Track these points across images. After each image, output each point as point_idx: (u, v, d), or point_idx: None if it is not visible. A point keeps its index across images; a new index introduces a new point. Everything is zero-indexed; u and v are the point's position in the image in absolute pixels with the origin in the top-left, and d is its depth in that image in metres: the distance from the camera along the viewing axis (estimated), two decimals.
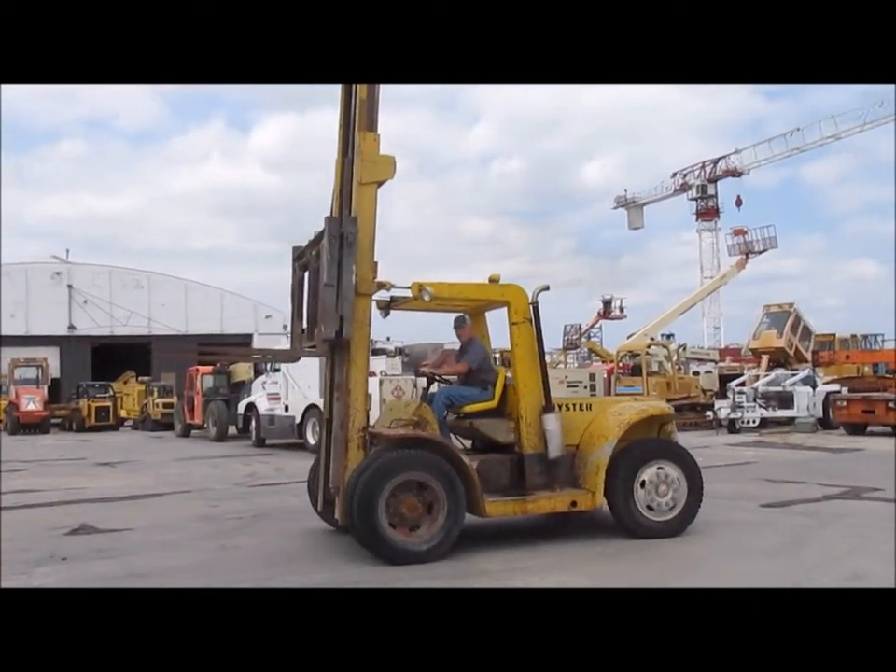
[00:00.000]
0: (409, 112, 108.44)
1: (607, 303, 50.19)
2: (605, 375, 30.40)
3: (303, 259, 8.30)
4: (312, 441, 19.02)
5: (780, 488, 11.19)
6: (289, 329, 8.68)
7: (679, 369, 27.97)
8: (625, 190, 57.34)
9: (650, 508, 8.08)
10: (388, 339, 19.63)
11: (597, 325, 51.16)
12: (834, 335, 33.41)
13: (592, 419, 8.36)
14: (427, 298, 7.80)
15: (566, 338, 47.72)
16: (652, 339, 33.74)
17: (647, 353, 27.36)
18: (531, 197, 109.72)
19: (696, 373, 29.62)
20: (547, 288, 8.38)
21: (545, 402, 8.10)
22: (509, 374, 8.53)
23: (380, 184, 7.74)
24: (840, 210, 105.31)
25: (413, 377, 17.99)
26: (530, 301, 8.27)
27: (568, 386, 29.76)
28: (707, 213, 55.15)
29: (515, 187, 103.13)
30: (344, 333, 7.47)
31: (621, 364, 28.27)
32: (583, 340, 47.41)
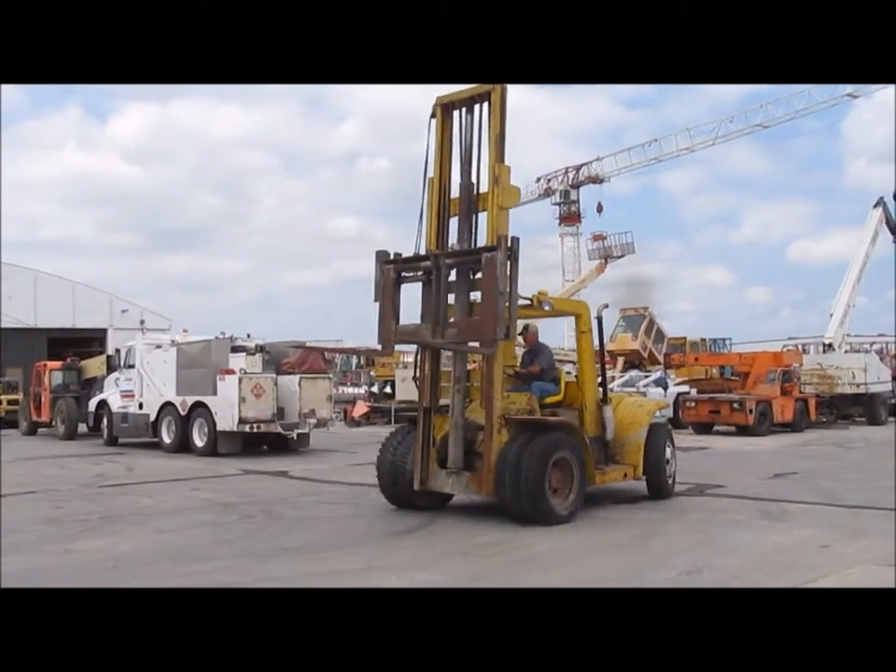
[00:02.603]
0: (276, 107, 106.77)
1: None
2: None
3: (400, 266, 9.23)
4: (167, 440, 18.48)
5: (634, 484, 11.54)
6: (378, 326, 9.32)
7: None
8: None
9: (670, 475, 10.64)
10: (249, 336, 19.24)
11: None
12: (685, 338, 34.95)
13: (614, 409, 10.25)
14: (546, 308, 9.64)
15: None
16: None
17: (368, 348, 27.73)
18: (398, 197, 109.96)
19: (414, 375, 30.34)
20: (607, 306, 10.86)
21: (602, 396, 10.16)
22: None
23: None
24: (693, 219, 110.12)
25: (274, 375, 17.76)
26: (595, 316, 10.33)
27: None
28: (570, 218, 56.52)
29: (382, 186, 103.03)
30: (510, 335, 8.65)
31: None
32: None
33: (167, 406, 18.63)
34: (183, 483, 12.93)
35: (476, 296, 8.99)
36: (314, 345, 24.72)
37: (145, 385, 19.66)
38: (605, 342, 10.33)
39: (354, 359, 44.50)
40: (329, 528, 8.89)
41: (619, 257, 48.53)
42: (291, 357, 18.69)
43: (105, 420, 21.25)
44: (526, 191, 57.19)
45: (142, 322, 41.28)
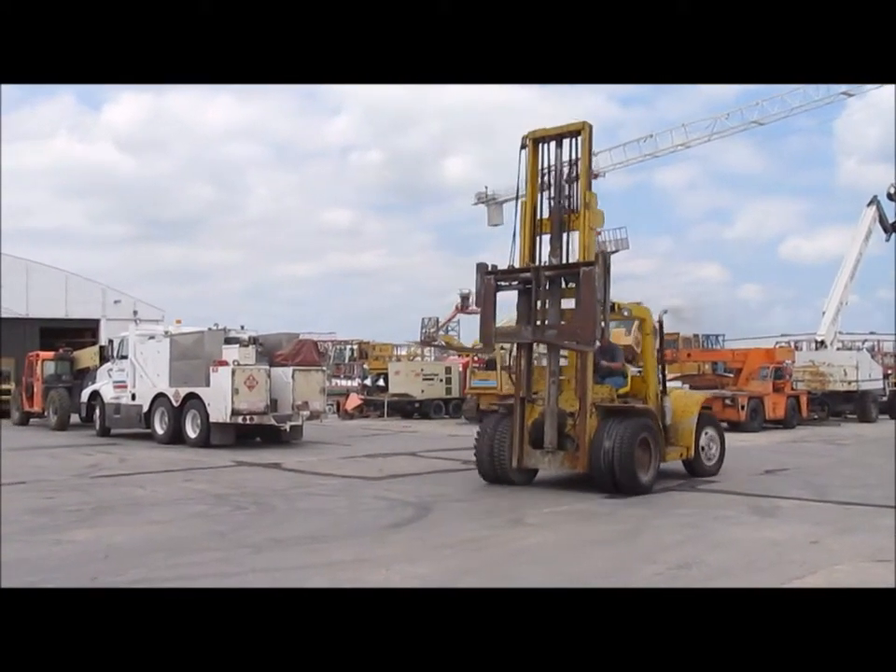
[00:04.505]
0: (270, 99, 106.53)
1: (464, 298, 50.70)
2: (461, 369, 30.88)
3: (500, 276, 10.89)
4: (160, 431, 18.47)
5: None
6: (480, 327, 11.14)
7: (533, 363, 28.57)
8: (486, 187, 57.98)
9: (707, 458, 12.40)
10: (242, 328, 19.23)
11: (455, 319, 51.73)
12: (678, 334, 35.00)
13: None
14: (625, 314, 11.88)
15: (423, 331, 47.97)
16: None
17: (501, 348, 27.84)
18: (391, 190, 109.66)
19: (509, 367, 30.32)
20: (666, 312, 13.00)
21: (662, 388, 11.89)
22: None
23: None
24: (687, 215, 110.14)
25: (267, 367, 17.74)
26: (656, 320, 12.28)
27: (424, 379, 30.19)
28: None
29: (376, 179, 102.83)
30: (605, 335, 10.77)
31: (476, 358, 28.65)
32: (441, 334, 47.82)
33: (160, 397, 18.60)
34: (176, 475, 12.93)
35: (567, 303, 10.72)
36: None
37: (137, 375, 19.63)
38: (663, 343, 12.65)
39: (347, 352, 44.52)
40: (321, 521, 8.91)
41: (613, 252, 48.49)
42: (285, 349, 18.66)
43: (97, 411, 21.20)
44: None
45: (135, 312, 41.13)
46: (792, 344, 34.34)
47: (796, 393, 24.54)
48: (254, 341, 18.45)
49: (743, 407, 21.72)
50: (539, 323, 10.65)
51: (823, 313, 31.01)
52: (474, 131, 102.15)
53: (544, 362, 11.46)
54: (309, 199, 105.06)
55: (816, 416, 25.67)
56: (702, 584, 6.03)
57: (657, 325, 12.22)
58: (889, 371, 32.81)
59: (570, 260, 10.92)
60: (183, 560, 6.89)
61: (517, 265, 10.96)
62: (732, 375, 25.19)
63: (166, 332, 19.96)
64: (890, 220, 33.48)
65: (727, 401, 21.85)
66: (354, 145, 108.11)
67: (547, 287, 10.64)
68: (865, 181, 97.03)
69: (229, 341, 18.27)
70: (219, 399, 17.09)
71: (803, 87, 38.73)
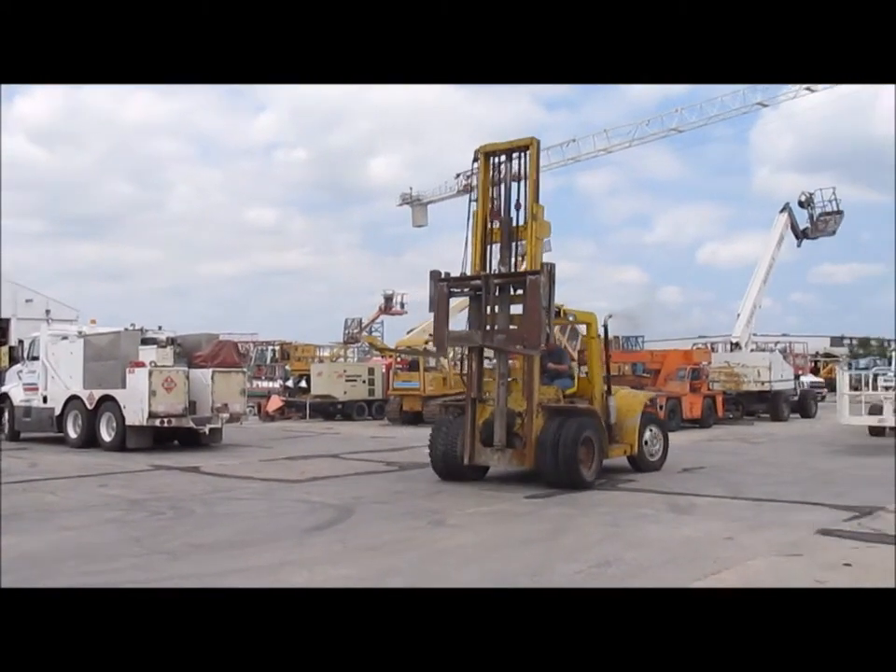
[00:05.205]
0: (192, 94, 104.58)
1: (388, 298, 50.65)
2: (384, 370, 30.79)
3: (452, 283, 11.53)
4: (73, 435, 17.94)
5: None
6: (434, 332, 12.02)
7: (455, 365, 28.68)
8: (410, 188, 57.89)
9: (650, 454, 13.14)
10: (160, 328, 18.80)
11: (378, 319, 51.55)
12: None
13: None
14: (570, 318, 13.07)
15: (346, 332, 47.72)
16: (431, 335, 34.35)
17: (425, 349, 27.86)
18: (317, 189, 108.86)
19: (461, 370, 30.44)
20: (611, 316, 13.39)
21: (607, 388, 12.56)
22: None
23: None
24: (609, 220, 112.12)
25: (186, 368, 17.37)
26: (602, 324, 12.99)
27: (347, 381, 30.00)
28: (490, 214, 56.85)
29: (301, 178, 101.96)
30: (549, 340, 11.31)
31: (399, 359, 28.61)
32: (364, 334, 47.64)
33: (73, 399, 18.07)
34: (89, 480, 12.56)
35: (516, 309, 11.22)
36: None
37: (49, 377, 19.01)
38: (608, 346, 13.32)
39: (269, 353, 44.00)
40: (240, 525, 8.75)
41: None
42: (204, 350, 18.31)
43: (6, 414, 20.46)
44: (445, 187, 57.43)
45: (47, 312, 39.89)
46: (709, 346, 35.16)
47: (712, 393, 25.13)
48: (172, 341, 18.07)
49: (661, 407, 22.13)
50: (488, 328, 11.21)
51: (738, 315, 31.83)
52: (401, 131, 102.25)
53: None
54: (233, 196, 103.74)
55: (731, 416, 26.34)
56: (621, 582, 6.11)
57: (603, 328, 12.95)
58: (800, 372, 33.94)
59: (518, 269, 11.65)
60: (96, 567, 6.68)
61: (469, 273, 11.55)
62: (650, 376, 25.65)
63: (80, 333, 19.38)
64: (802, 227, 34.62)
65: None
66: (279, 142, 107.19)
67: (496, 293, 11.23)
68: (778, 189, 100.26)
69: (146, 341, 17.85)
70: (136, 402, 16.66)
71: (720, 96, 39.78)
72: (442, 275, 11.55)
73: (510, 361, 12.35)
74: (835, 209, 35.09)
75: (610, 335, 13.66)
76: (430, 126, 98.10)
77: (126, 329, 18.45)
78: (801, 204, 34.79)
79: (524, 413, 11.23)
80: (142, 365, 16.98)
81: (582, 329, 14.02)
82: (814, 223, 34.73)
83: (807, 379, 37.23)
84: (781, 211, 33.78)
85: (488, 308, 11.27)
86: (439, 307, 11.50)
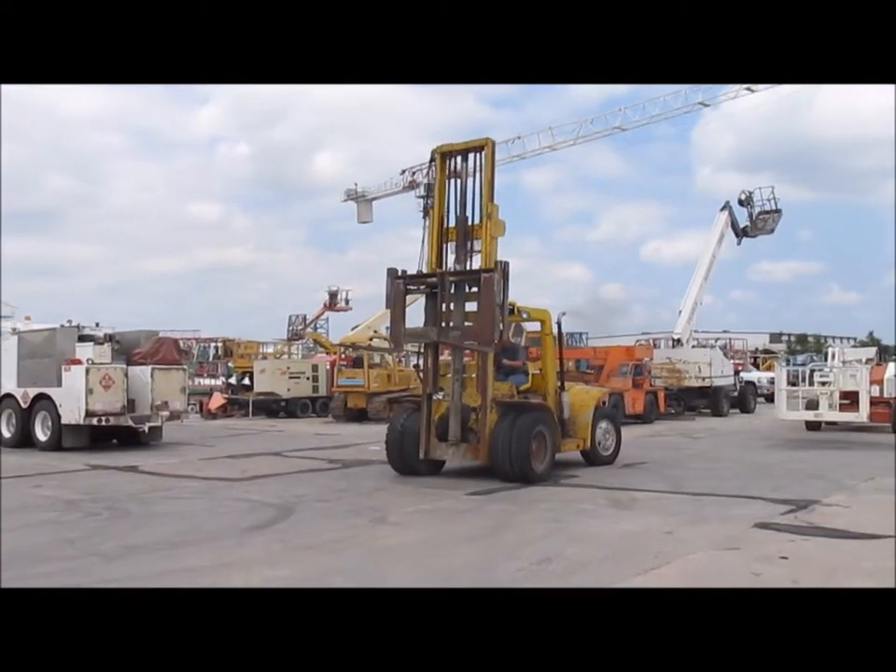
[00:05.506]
0: (131, 87, 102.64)
1: (333, 295, 50.28)
2: (328, 367, 30.57)
3: (408, 280, 11.78)
4: (7, 434, 17.47)
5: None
6: (391, 328, 12.33)
7: (400, 361, 28.62)
8: (355, 184, 57.59)
9: (603, 448, 13.49)
10: (97, 325, 18.39)
11: (324, 316, 51.18)
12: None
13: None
14: (524, 315, 12.93)
15: (290, 328, 47.27)
16: (375, 332, 34.24)
17: (369, 345, 27.74)
18: (260, 185, 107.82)
19: (416, 366, 30.38)
20: (564, 314, 13.88)
21: (560, 384, 12.92)
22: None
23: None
24: (553, 217, 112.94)
25: (124, 366, 17.02)
26: (555, 321, 13.32)
27: (290, 378, 29.73)
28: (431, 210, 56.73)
29: (244, 173, 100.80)
30: (503, 337, 11.28)
31: (343, 356, 28.43)
32: (308, 331, 47.26)
33: (6, 398, 17.56)
34: (23, 480, 12.22)
35: (470, 306, 11.47)
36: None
37: None
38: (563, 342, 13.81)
39: (212, 350, 43.40)
40: (178, 525, 8.58)
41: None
42: (143, 347, 17.96)
43: None
44: (390, 183, 57.26)
45: None
46: (651, 342, 35.59)
47: (654, 389, 25.44)
48: (110, 338, 17.69)
49: (604, 403, 22.29)
50: (444, 325, 11.48)
51: (679, 312, 32.26)
52: (346, 126, 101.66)
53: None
54: (175, 192, 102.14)
55: (672, 411, 26.69)
56: (562, 578, 6.12)
57: (556, 325, 13.30)
58: (740, 368, 34.52)
59: (473, 267, 11.72)
60: (27, 571, 6.46)
61: (425, 270, 11.83)
62: (594, 372, 25.85)
63: (14, 329, 18.90)
64: (742, 225, 35.19)
65: None
66: (222, 137, 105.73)
67: (452, 291, 11.53)
68: (720, 188, 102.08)
69: (83, 338, 17.43)
70: (72, 400, 16.27)
71: (662, 95, 40.22)
72: (399, 273, 11.77)
73: (465, 358, 12.56)
74: (774, 208, 35.71)
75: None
76: (375, 122, 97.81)
77: (62, 326, 18.01)
78: (741, 203, 35.35)
79: (478, 409, 11.45)
80: (78, 362, 16.59)
81: (529, 326, 14.04)
82: (753, 221, 35.29)
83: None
84: (722, 209, 34.28)
85: (444, 305, 11.53)
86: (395, 304, 11.73)
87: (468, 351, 12.35)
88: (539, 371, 13.22)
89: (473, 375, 12.03)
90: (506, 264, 11.12)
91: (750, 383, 33.04)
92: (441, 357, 12.78)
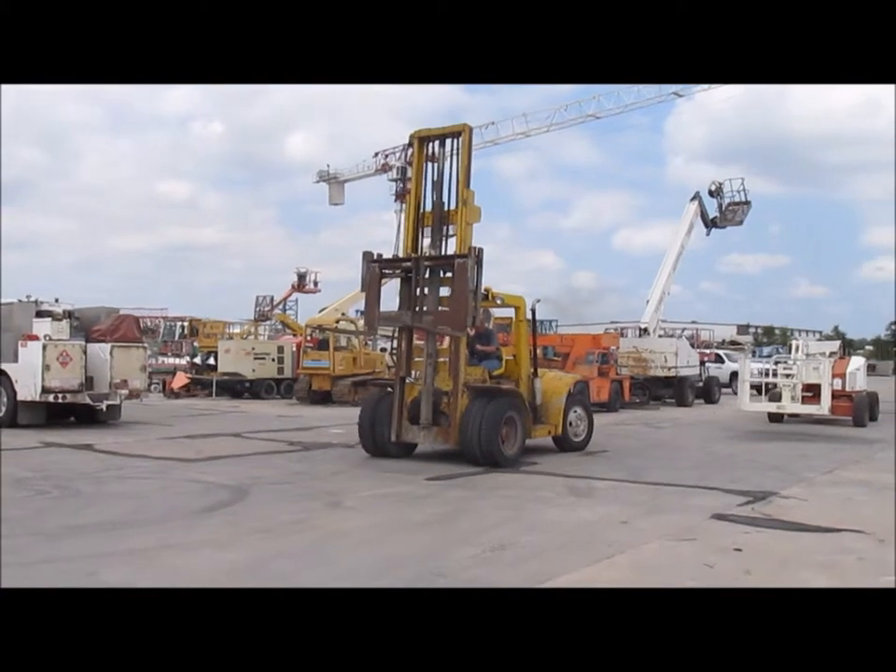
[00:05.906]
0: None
1: (301, 276, 49.87)
2: (294, 348, 30.33)
3: (384, 264, 12.03)
4: None
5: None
6: (365, 311, 12.50)
7: (366, 345, 28.45)
8: (328, 165, 57.17)
9: (574, 434, 13.52)
10: (56, 300, 18.01)
11: (292, 297, 50.80)
12: (511, 318, 35.63)
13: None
14: (498, 301, 12.71)
15: (257, 309, 46.85)
16: (343, 314, 34.02)
17: (336, 327, 27.53)
18: (233, 164, 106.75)
19: (384, 349, 30.27)
20: (539, 301, 14.34)
21: (533, 370, 13.03)
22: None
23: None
24: (526, 204, 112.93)
25: (83, 343, 16.71)
26: (530, 308, 13.41)
27: (255, 358, 29.45)
28: (406, 195, 56.45)
29: (216, 151, 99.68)
30: (476, 322, 11.34)
31: (308, 338, 28.20)
32: (276, 312, 46.90)
33: None
34: None
35: (444, 291, 11.58)
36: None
37: None
38: (536, 329, 13.82)
39: (178, 329, 42.99)
40: (129, 505, 8.41)
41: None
42: (103, 324, 17.64)
43: None
44: (363, 166, 56.91)
45: None
46: (619, 331, 35.67)
47: (620, 378, 25.46)
48: (69, 315, 17.34)
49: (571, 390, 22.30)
50: (418, 309, 11.58)
51: (647, 301, 32.32)
52: (321, 107, 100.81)
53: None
54: (145, 168, 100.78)
55: (637, 400, 26.74)
56: (515, 566, 6.05)
57: (531, 312, 13.42)
58: (706, 358, 34.68)
59: (448, 252, 11.83)
60: None
61: (401, 255, 12.15)
62: (560, 359, 25.84)
63: None
64: (711, 216, 35.29)
65: None
66: (195, 114, 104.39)
67: (427, 275, 11.61)
68: (691, 178, 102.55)
69: (41, 314, 17.05)
70: (28, 376, 15.96)
71: (637, 85, 40.21)
72: (375, 256, 11.86)
73: (438, 342, 12.59)
74: (743, 199, 35.78)
75: (528, 318, 13.63)
76: (350, 103, 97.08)
77: (20, 301, 17.61)
78: (711, 194, 35.40)
79: (450, 393, 11.56)
80: (35, 338, 16.26)
81: (498, 312, 14.05)
82: (722, 212, 35.35)
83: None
84: (692, 199, 34.30)
85: (418, 290, 11.62)
86: (370, 288, 11.84)
87: (441, 336, 12.42)
88: (512, 357, 13.29)
89: (446, 359, 12.10)
90: (480, 250, 11.17)
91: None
92: (415, 342, 12.74)
